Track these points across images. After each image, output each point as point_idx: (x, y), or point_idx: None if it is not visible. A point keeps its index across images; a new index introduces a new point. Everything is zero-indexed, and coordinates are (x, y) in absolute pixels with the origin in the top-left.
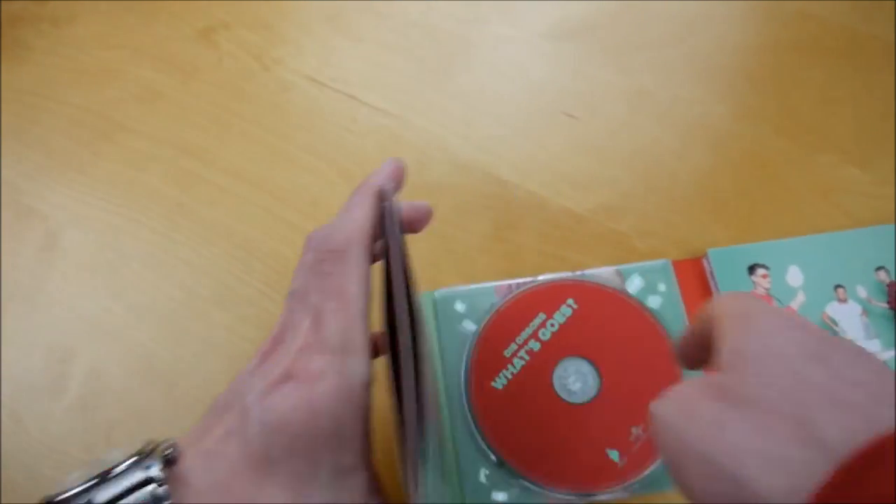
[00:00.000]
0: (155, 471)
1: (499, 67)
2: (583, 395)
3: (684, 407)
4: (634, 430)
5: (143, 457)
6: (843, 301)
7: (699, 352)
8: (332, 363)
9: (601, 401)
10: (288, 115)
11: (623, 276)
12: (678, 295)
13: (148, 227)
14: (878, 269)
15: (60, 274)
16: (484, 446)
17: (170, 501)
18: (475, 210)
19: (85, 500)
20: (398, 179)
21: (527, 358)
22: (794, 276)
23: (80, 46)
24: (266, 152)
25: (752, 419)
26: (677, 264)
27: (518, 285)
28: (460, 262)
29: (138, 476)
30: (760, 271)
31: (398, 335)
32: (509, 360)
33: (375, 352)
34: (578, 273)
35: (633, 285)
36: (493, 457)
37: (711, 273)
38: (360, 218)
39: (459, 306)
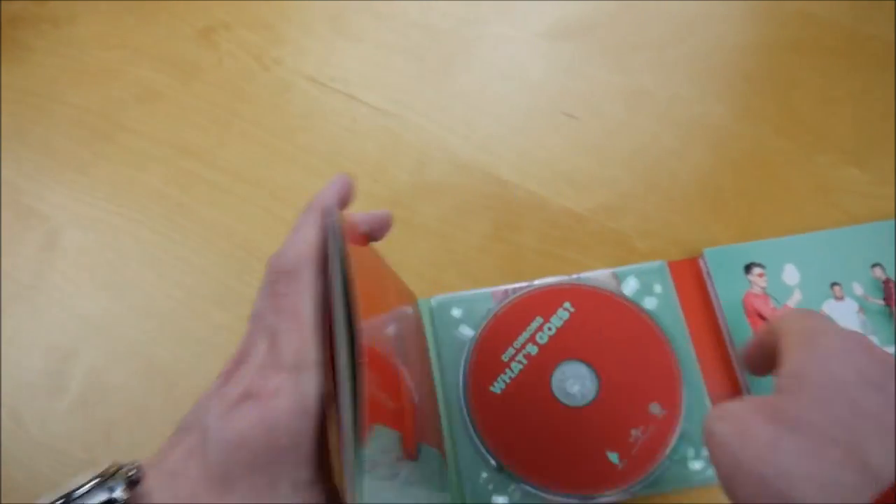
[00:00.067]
0: (118, 492)
1: (498, 67)
2: (581, 398)
3: (740, 428)
4: (634, 432)
5: (106, 478)
6: (840, 298)
7: (766, 361)
8: (288, 380)
9: (600, 403)
10: (288, 115)
11: (619, 278)
12: (674, 296)
13: (148, 227)
14: (874, 265)
15: (60, 274)
16: (483, 451)
17: None
18: (475, 210)
19: None
20: (344, 195)
21: (525, 362)
22: (791, 274)
23: (80, 46)
24: (266, 152)
25: (805, 443)
26: (673, 265)
27: (515, 290)
28: (460, 262)
29: (101, 497)
30: (757, 270)
31: (334, 354)
32: (507, 365)
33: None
34: (574, 276)
35: (630, 287)
36: (492, 461)
37: (708, 273)
38: (310, 237)
39: (456, 312)
